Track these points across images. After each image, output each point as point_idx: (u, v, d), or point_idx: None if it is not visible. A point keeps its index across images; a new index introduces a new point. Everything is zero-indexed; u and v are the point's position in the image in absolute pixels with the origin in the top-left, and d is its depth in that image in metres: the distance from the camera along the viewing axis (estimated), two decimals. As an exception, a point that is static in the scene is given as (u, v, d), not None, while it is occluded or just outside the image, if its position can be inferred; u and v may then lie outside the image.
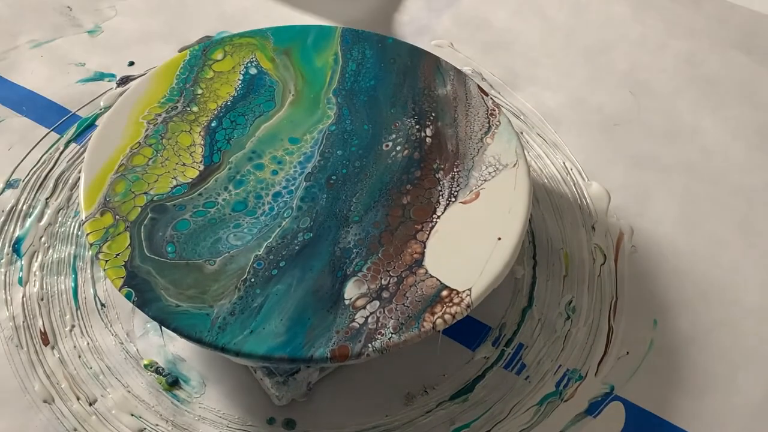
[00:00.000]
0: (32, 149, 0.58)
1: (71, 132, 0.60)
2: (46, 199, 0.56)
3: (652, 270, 0.55)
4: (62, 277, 0.52)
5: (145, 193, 0.47)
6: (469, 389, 0.49)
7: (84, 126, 0.60)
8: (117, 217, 0.46)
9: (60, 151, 0.59)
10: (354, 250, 0.46)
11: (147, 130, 0.50)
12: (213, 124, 0.51)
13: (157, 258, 0.44)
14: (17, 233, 0.54)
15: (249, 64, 0.54)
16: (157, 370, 0.49)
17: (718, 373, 0.50)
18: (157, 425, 0.47)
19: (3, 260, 0.53)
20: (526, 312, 0.52)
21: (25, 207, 0.55)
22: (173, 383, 0.48)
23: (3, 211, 0.55)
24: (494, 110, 0.52)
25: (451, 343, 0.50)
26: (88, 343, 0.50)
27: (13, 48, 0.65)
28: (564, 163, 0.60)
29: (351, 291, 0.44)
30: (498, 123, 0.52)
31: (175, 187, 0.48)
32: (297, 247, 0.46)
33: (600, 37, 0.69)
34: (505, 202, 0.48)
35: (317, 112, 0.52)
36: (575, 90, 0.65)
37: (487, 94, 0.53)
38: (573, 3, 0.72)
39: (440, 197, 0.48)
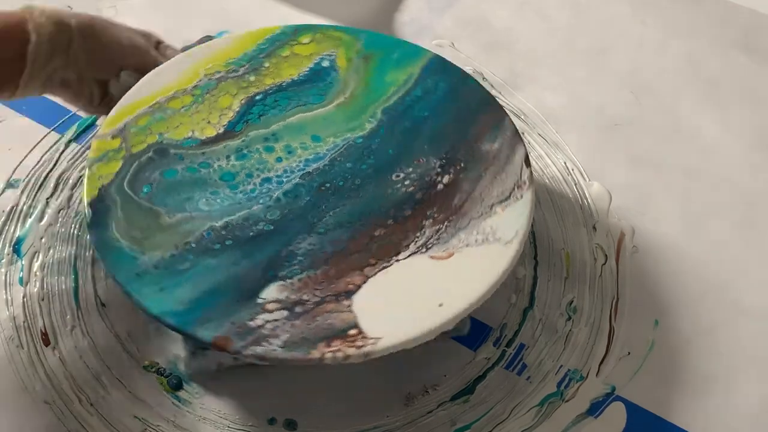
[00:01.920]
0: (32, 149, 0.58)
1: (71, 132, 0.60)
2: (47, 199, 0.55)
3: (653, 270, 0.55)
4: (63, 277, 0.52)
5: (160, 134, 0.49)
6: (470, 390, 0.49)
7: (84, 126, 0.60)
8: (123, 144, 0.48)
9: (60, 151, 0.58)
10: (298, 257, 0.45)
11: (200, 80, 0.52)
12: (257, 97, 0.52)
13: (129, 193, 0.46)
14: (18, 233, 0.54)
15: (326, 57, 0.54)
16: (158, 371, 0.49)
17: (719, 374, 0.50)
18: (158, 426, 0.47)
19: (4, 260, 0.53)
20: (527, 312, 0.52)
21: (25, 207, 0.55)
22: (177, 386, 0.48)
23: (3, 211, 0.55)
24: (524, 184, 0.48)
25: (452, 343, 0.50)
26: (88, 343, 0.50)
27: (13, 48, 0.65)
28: (565, 163, 0.60)
29: (270, 293, 0.43)
30: (519, 197, 0.47)
31: (187, 138, 0.49)
32: (251, 233, 0.46)
33: (601, 37, 0.69)
34: (473, 275, 0.44)
35: (356, 121, 0.52)
36: (576, 90, 0.65)
37: (529, 165, 0.49)
38: (574, 3, 0.72)
39: (412, 243, 0.46)
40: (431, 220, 0.47)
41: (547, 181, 0.59)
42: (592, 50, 0.68)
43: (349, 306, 0.43)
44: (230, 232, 0.46)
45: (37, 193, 0.56)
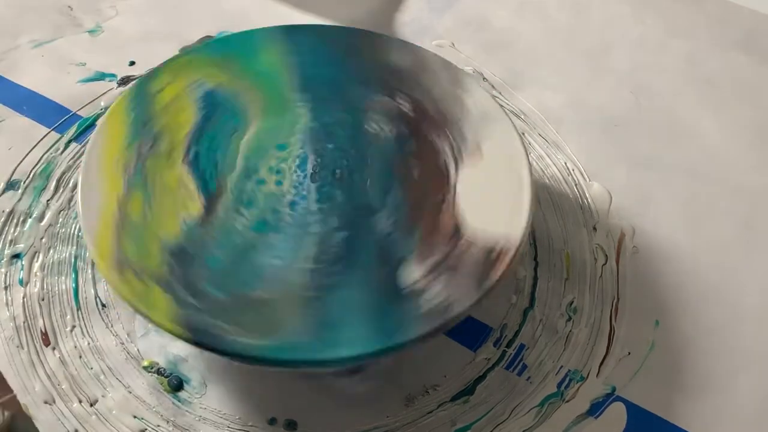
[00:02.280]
0: (32, 149, 0.58)
1: (72, 132, 0.60)
2: (47, 200, 0.55)
3: (653, 270, 0.55)
4: (63, 278, 0.52)
5: (159, 240, 0.44)
6: (470, 390, 0.49)
7: (84, 126, 0.60)
8: (139, 276, 0.43)
9: (60, 151, 0.58)
10: (394, 235, 0.45)
11: (128, 177, 0.46)
12: (191, 156, 0.48)
13: (205, 306, 0.41)
14: (18, 234, 0.54)
15: (195, 84, 0.51)
16: (158, 371, 0.49)
17: (720, 374, 0.50)
18: (158, 426, 0.47)
19: (3, 261, 0.53)
20: (527, 313, 0.52)
21: (25, 207, 0.55)
22: (177, 387, 0.48)
23: (3, 211, 0.55)
24: (450, 65, 0.52)
25: (452, 343, 0.50)
26: (89, 344, 0.50)
27: (13, 48, 0.65)
28: (565, 163, 0.60)
29: (410, 275, 0.43)
30: (461, 76, 0.51)
31: (185, 227, 0.45)
32: (338, 249, 0.44)
33: (601, 37, 0.69)
34: (508, 148, 0.48)
35: (289, 113, 0.50)
36: (576, 90, 0.65)
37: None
38: (574, 3, 0.72)
39: (447, 162, 0.47)
40: (435, 137, 0.49)
41: (547, 181, 0.59)
42: (592, 50, 0.68)
43: (470, 235, 0.44)
44: (324, 261, 0.44)
45: (37, 193, 0.56)
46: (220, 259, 0.43)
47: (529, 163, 0.48)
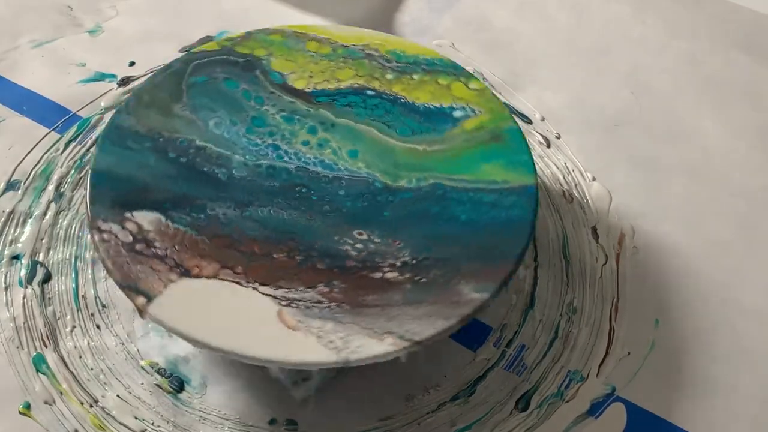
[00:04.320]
0: (32, 149, 0.58)
1: (72, 132, 0.60)
2: (48, 201, 0.55)
3: (653, 270, 0.55)
4: (63, 278, 0.52)
5: (269, 55, 0.51)
6: (470, 390, 0.49)
7: (85, 126, 0.60)
8: (237, 39, 0.51)
9: (60, 151, 0.58)
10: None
11: (355, 45, 0.52)
12: (368, 92, 0.50)
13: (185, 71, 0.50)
14: (18, 234, 0.54)
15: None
16: (159, 371, 0.49)
17: (720, 374, 0.50)
18: (158, 426, 0.47)
19: (3, 261, 0.53)
20: (527, 313, 0.52)
21: (25, 208, 0.55)
22: (179, 389, 0.48)
23: (3, 211, 0.55)
24: None
25: (452, 344, 0.50)
26: (88, 343, 0.50)
27: (13, 48, 0.65)
28: (565, 163, 0.60)
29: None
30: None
31: (278, 72, 0.51)
32: (205, 168, 0.48)
33: (601, 37, 0.69)
34: None
35: (399, 171, 0.48)
36: (576, 90, 0.65)
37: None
38: (574, 3, 0.72)
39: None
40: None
41: (547, 181, 0.59)
42: (593, 50, 0.68)
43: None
44: (199, 156, 0.47)
45: (37, 193, 0.56)
46: (234, 87, 0.48)
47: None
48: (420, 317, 0.39)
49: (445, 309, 0.40)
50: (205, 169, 0.46)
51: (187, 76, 0.49)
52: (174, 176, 0.46)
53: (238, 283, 0.41)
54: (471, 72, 0.53)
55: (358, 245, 0.44)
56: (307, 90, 0.49)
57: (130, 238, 0.42)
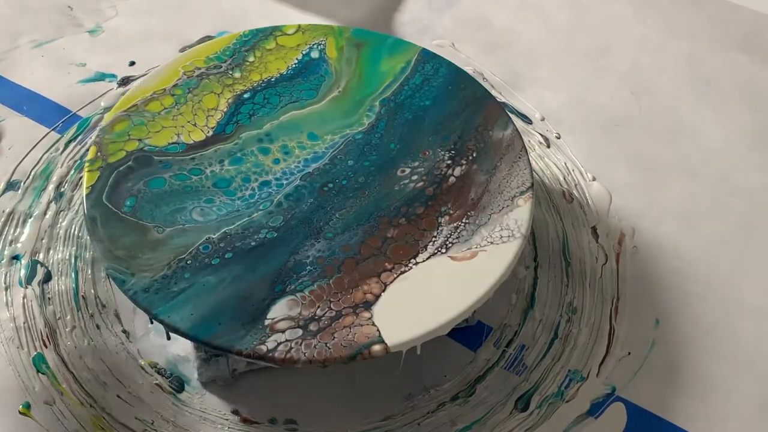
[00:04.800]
0: (32, 149, 0.58)
1: (72, 132, 0.60)
2: (48, 201, 0.55)
3: (653, 270, 0.54)
4: (63, 278, 0.52)
5: (140, 140, 0.46)
6: (470, 390, 0.49)
7: (85, 126, 0.60)
8: (99, 153, 0.45)
9: (60, 151, 0.58)
10: (308, 267, 0.42)
11: (179, 79, 0.49)
12: (246, 95, 0.49)
13: (109, 207, 0.43)
14: (18, 234, 0.54)
15: (315, 47, 0.52)
16: (159, 371, 0.49)
17: (719, 374, 0.50)
18: (158, 426, 0.47)
19: (3, 261, 0.53)
20: (527, 313, 0.52)
21: (25, 208, 0.55)
22: (178, 387, 0.48)
23: (3, 212, 0.55)
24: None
25: (453, 344, 0.50)
26: (88, 343, 0.50)
27: (13, 48, 0.65)
28: (565, 163, 0.60)
29: (279, 310, 0.40)
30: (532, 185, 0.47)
31: (172, 143, 0.47)
32: (254, 243, 0.43)
33: (601, 38, 0.69)
34: (493, 272, 0.42)
35: (353, 116, 0.49)
36: (576, 90, 0.65)
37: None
38: (574, 3, 0.72)
39: (430, 244, 0.43)
40: (447, 217, 0.45)
41: (547, 181, 0.59)
42: (592, 50, 0.68)
43: (369, 318, 0.40)
44: (229, 243, 0.43)
45: (37, 193, 0.56)
46: (162, 184, 0.45)
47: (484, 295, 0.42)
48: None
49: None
50: (254, 243, 0.43)
51: (119, 207, 0.43)
52: (255, 267, 0.42)
53: (408, 269, 0.43)
54: (324, 31, 0.54)
55: (414, 174, 0.47)
56: (209, 134, 0.47)
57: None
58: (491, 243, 0.44)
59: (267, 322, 0.40)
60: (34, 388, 0.48)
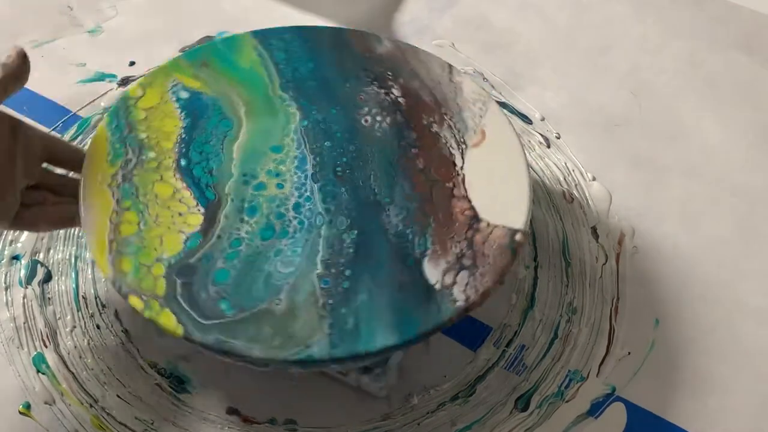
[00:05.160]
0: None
1: (71, 132, 0.60)
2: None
3: (653, 270, 0.55)
4: (63, 278, 0.52)
5: (158, 259, 0.42)
6: (470, 390, 0.49)
7: (85, 126, 0.60)
8: (144, 298, 0.41)
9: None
10: (407, 232, 0.44)
11: (114, 195, 0.44)
12: (183, 163, 0.46)
13: (217, 323, 0.40)
14: (18, 234, 0.54)
15: (175, 89, 0.49)
16: (159, 371, 0.49)
17: (720, 374, 0.50)
18: (158, 426, 0.47)
19: (3, 261, 0.53)
20: (527, 313, 0.52)
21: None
22: (180, 389, 0.48)
23: (3, 211, 0.55)
24: (428, 54, 0.52)
25: (453, 343, 0.50)
26: (88, 343, 0.50)
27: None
28: (565, 163, 0.60)
29: (433, 274, 0.42)
30: (443, 63, 0.51)
31: (186, 240, 0.43)
32: (351, 251, 0.43)
33: (601, 37, 0.69)
34: (502, 132, 0.48)
35: (280, 114, 0.49)
36: (576, 90, 0.65)
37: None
38: (574, 3, 0.72)
39: (449, 148, 0.47)
40: (435, 125, 0.48)
41: (547, 181, 0.59)
42: (592, 50, 0.68)
43: (487, 225, 0.44)
44: (335, 265, 0.42)
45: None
46: (228, 273, 0.42)
47: (523, 148, 0.48)
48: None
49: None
50: (351, 250, 0.43)
51: (224, 316, 0.40)
52: (377, 265, 0.42)
53: (460, 176, 0.47)
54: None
55: (377, 116, 0.49)
56: (202, 211, 0.44)
57: None
58: (481, 117, 0.48)
59: (438, 287, 0.42)
60: (34, 388, 0.48)
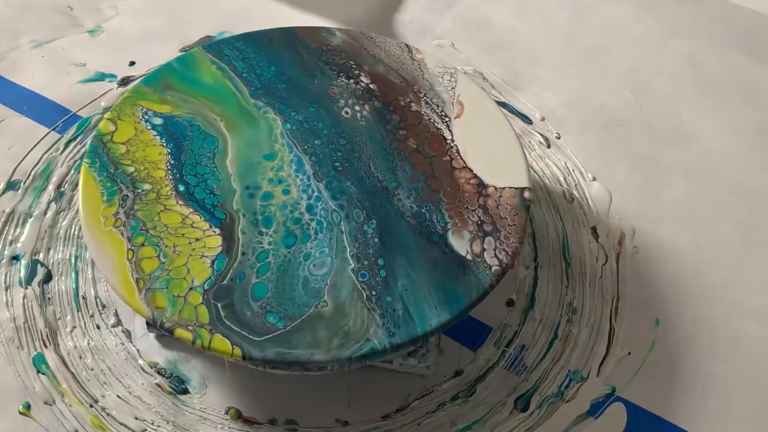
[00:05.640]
0: (32, 149, 0.58)
1: (72, 132, 0.60)
2: (48, 201, 0.55)
3: (653, 270, 0.54)
4: (63, 278, 0.52)
5: (191, 288, 0.42)
6: (470, 390, 0.49)
7: (85, 126, 0.60)
8: (191, 328, 0.40)
9: (60, 151, 0.58)
10: (422, 211, 0.45)
11: (123, 234, 0.43)
12: (181, 189, 0.45)
13: (273, 336, 0.40)
14: (18, 234, 0.54)
15: (146, 117, 0.48)
16: (159, 371, 0.49)
17: (719, 374, 0.50)
18: (158, 426, 0.47)
19: (3, 261, 0.53)
20: (527, 313, 0.52)
21: (25, 208, 0.55)
22: (179, 389, 0.48)
23: (3, 212, 0.55)
24: (382, 37, 0.53)
25: (453, 343, 0.50)
26: (88, 343, 0.50)
27: (13, 48, 0.65)
28: (565, 163, 0.60)
29: (459, 245, 0.44)
30: (400, 44, 0.53)
31: (214, 263, 0.42)
32: (377, 239, 0.44)
33: (601, 38, 0.69)
34: (478, 99, 0.50)
35: (260, 120, 0.49)
36: (576, 90, 0.65)
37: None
38: (574, 3, 0.72)
39: (434, 123, 0.49)
40: (413, 104, 0.50)
41: (547, 181, 0.59)
42: (593, 50, 0.68)
43: (495, 189, 0.46)
44: (365, 257, 0.43)
45: (37, 193, 0.56)
46: (265, 286, 0.42)
47: (501, 110, 0.50)
48: None
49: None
50: (377, 239, 0.44)
51: (275, 329, 0.41)
52: (406, 247, 0.43)
53: (453, 145, 0.48)
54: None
55: (355, 105, 0.50)
56: (217, 231, 0.43)
57: None
58: (453, 89, 0.51)
59: (470, 258, 0.43)
60: (34, 388, 0.48)
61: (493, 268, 0.43)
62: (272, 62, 0.52)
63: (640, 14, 0.71)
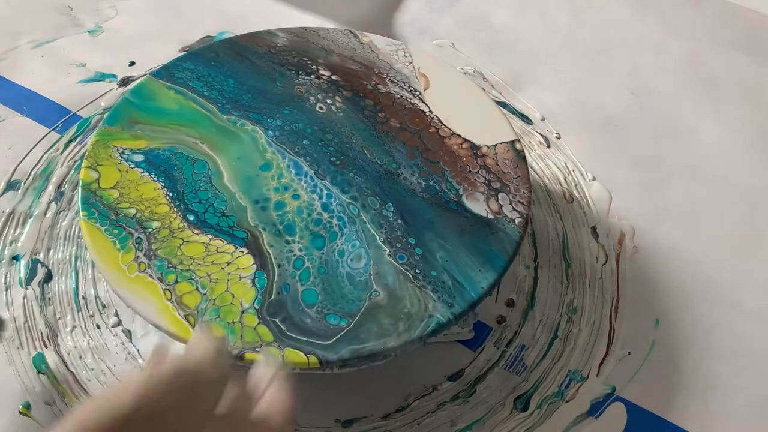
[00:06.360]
0: (32, 149, 0.58)
1: (72, 132, 0.60)
2: (48, 201, 0.55)
3: (653, 270, 0.55)
4: (63, 278, 0.52)
5: (243, 311, 0.41)
6: (470, 390, 0.49)
7: (85, 126, 0.60)
8: (258, 349, 0.40)
9: (60, 151, 0.58)
10: (431, 184, 0.46)
11: (152, 276, 0.42)
12: (192, 218, 0.45)
13: (341, 336, 0.40)
14: (18, 234, 0.54)
15: (125, 157, 0.47)
16: (159, 371, 0.49)
17: (719, 374, 0.50)
18: (158, 426, 0.47)
19: (3, 261, 0.53)
20: (527, 313, 0.52)
21: (25, 208, 0.55)
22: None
23: (3, 212, 0.55)
24: (327, 28, 0.55)
25: (453, 343, 0.50)
26: (89, 343, 0.50)
27: (14, 48, 0.65)
28: (565, 163, 0.60)
29: (476, 206, 0.45)
30: (347, 32, 0.54)
31: (254, 282, 0.42)
32: (399, 221, 0.45)
33: (601, 38, 0.69)
34: (437, 67, 0.52)
35: (241, 136, 0.48)
36: (576, 90, 0.65)
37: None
38: (574, 3, 0.72)
39: (407, 100, 0.51)
40: (380, 86, 0.52)
41: (547, 181, 0.59)
42: (592, 50, 0.68)
43: (489, 147, 0.48)
44: (396, 240, 0.44)
45: (37, 193, 0.56)
46: (314, 291, 0.42)
47: (460, 71, 0.52)
48: None
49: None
50: (402, 222, 0.44)
51: (331, 330, 0.41)
52: (428, 222, 0.45)
53: (433, 115, 0.51)
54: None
55: (335, 98, 0.51)
56: (244, 249, 0.43)
57: None
58: (411, 63, 0.53)
59: (491, 216, 0.45)
60: (34, 388, 0.48)
61: (517, 221, 0.45)
62: (228, 75, 0.52)
63: (640, 14, 0.71)
